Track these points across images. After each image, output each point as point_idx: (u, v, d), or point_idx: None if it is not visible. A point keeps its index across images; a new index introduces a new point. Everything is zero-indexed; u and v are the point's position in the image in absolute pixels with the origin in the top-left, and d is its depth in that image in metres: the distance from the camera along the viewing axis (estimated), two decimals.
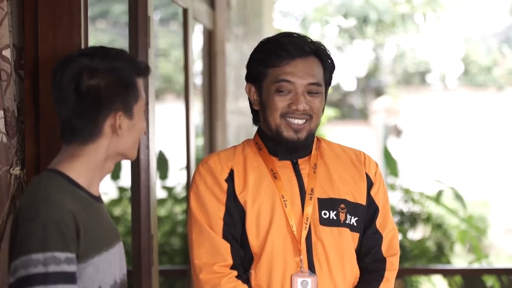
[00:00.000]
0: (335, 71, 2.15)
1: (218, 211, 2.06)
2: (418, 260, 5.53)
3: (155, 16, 3.34)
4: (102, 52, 1.73)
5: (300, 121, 2.06)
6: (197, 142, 5.55)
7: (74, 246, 1.63)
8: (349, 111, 18.31)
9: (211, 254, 2.03)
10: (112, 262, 1.74)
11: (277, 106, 2.05)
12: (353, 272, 2.11)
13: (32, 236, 1.60)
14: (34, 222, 1.61)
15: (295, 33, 2.13)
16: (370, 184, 2.16)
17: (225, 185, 2.07)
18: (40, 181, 1.70)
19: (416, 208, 5.92)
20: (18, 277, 1.60)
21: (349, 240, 2.10)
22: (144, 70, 1.78)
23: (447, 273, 5.32)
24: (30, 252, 1.59)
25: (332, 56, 2.13)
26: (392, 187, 6.01)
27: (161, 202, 5.92)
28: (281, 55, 2.06)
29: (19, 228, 1.63)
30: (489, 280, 5.17)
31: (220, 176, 2.08)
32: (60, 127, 1.74)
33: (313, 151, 2.14)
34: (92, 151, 1.72)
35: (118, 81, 1.71)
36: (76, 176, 1.71)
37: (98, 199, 1.76)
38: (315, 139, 2.16)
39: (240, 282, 2.03)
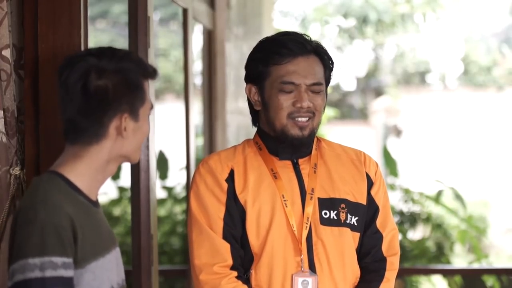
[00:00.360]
0: (333, 70, 2.15)
1: (218, 211, 2.06)
2: (418, 260, 5.53)
3: (155, 16, 3.34)
4: (110, 52, 1.72)
5: (304, 119, 2.06)
6: (197, 142, 5.54)
7: (71, 250, 1.62)
8: (349, 111, 18.30)
9: (211, 255, 2.03)
10: (108, 268, 1.72)
11: (282, 105, 2.05)
12: (353, 272, 2.11)
13: (30, 239, 1.60)
14: (32, 224, 1.60)
15: (293, 32, 2.13)
16: (370, 184, 2.16)
17: (225, 185, 2.07)
18: (40, 183, 1.69)
19: (416, 208, 5.92)
20: (15, 281, 1.59)
21: (350, 240, 2.10)
22: (152, 73, 1.77)
23: (447, 273, 5.32)
24: (27, 256, 1.59)
25: (330, 54, 2.14)
26: (392, 187, 6.01)
27: (161, 202, 5.92)
28: (282, 53, 2.06)
29: (18, 230, 1.63)
30: (489, 280, 5.17)
31: (221, 176, 2.08)
32: (64, 127, 1.73)
33: (313, 151, 2.14)
34: (95, 152, 1.71)
35: (125, 82, 1.70)
36: (76, 179, 1.70)
37: (95, 204, 1.75)
38: (315, 139, 2.16)
39: (240, 282, 2.03)
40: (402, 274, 5.08)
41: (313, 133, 2.09)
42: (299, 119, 2.05)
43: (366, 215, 2.14)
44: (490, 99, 16.69)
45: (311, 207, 2.07)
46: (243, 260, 2.07)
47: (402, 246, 5.41)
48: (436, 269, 5.33)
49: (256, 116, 2.16)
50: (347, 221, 2.10)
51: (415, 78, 17.87)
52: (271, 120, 2.08)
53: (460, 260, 7.27)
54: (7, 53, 2.13)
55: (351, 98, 18.40)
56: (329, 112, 12.04)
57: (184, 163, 4.05)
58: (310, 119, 2.07)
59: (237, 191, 2.07)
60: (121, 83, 1.69)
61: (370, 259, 2.13)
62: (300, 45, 2.07)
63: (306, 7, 15.62)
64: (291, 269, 2.05)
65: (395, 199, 5.99)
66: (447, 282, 5.35)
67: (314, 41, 2.12)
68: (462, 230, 5.85)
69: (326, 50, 2.12)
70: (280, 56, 2.06)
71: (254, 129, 2.19)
